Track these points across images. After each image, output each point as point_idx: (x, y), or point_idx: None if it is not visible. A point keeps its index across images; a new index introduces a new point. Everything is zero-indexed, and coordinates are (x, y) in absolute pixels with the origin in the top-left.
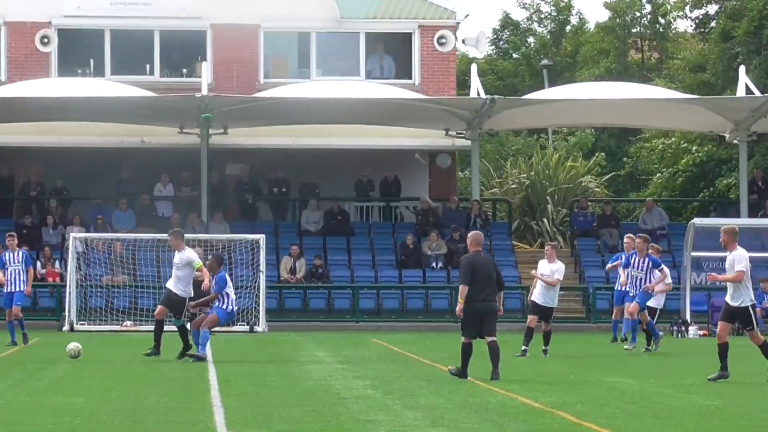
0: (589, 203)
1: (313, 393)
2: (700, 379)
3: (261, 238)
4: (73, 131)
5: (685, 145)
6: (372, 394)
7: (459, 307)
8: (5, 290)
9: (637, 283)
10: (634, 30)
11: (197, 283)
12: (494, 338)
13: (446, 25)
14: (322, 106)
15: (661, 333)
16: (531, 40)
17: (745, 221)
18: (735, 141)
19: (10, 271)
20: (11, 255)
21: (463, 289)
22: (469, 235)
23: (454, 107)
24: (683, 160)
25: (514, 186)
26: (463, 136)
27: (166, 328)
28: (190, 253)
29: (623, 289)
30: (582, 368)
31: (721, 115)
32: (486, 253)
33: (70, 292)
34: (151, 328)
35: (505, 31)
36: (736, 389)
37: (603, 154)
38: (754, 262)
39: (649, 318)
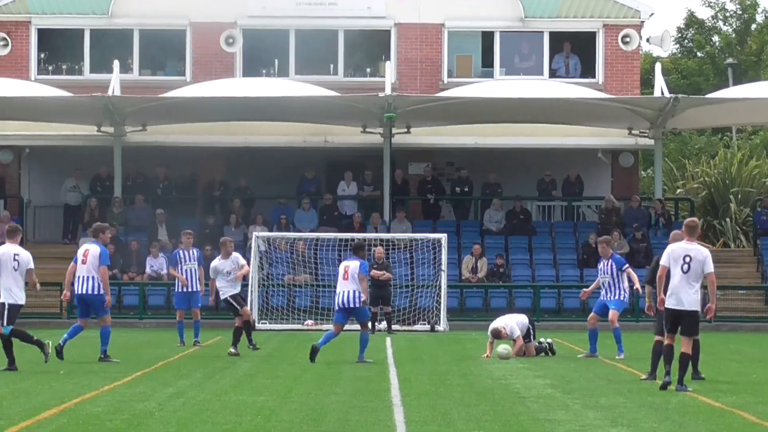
0: None
1: (492, 392)
2: None
3: (443, 237)
4: (256, 131)
5: None
6: (552, 393)
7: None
8: (179, 290)
9: (610, 288)
10: None
11: None
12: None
13: (631, 24)
14: (506, 105)
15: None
16: (716, 38)
17: None
18: None
19: (185, 270)
20: (185, 253)
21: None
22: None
23: (637, 106)
24: None
25: (696, 185)
26: (646, 135)
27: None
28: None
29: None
30: (764, 368)
31: None
32: None
33: (252, 291)
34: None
35: (690, 29)
36: None
37: None
38: None
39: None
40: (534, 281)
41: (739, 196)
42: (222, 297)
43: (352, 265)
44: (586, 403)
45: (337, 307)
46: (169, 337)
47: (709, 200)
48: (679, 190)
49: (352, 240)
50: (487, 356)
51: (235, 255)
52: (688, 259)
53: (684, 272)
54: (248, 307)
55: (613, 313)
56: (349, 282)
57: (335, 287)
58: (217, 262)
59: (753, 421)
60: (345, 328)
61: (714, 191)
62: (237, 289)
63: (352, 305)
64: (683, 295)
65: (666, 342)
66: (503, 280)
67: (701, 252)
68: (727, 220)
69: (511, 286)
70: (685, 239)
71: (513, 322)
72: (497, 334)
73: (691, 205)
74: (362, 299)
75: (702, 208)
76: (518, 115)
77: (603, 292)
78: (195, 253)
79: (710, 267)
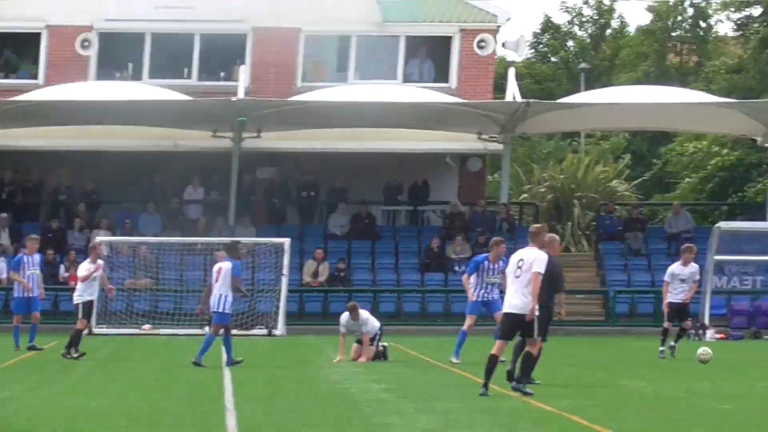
0: (616, 207)
1: (328, 396)
2: (715, 382)
3: (286, 241)
4: (106, 135)
5: (716, 148)
6: (387, 398)
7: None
8: (20, 294)
9: (493, 289)
10: (674, 33)
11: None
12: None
13: (487, 29)
14: (356, 109)
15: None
16: (571, 43)
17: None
18: (766, 145)
19: (28, 275)
20: (29, 258)
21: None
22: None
23: (489, 111)
24: (713, 162)
25: (543, 189)
26: (496, 139)
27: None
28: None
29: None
30: (597, 372)
31: (756, 119)
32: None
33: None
34: (171, 331)
35: (546, 34)
36: (750, 393)
37: (629, 155)
38: None
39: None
40: (375, 285)
41: (584, 200)
42: (75, 300)
43: (225, 266)
44: (419, 408)
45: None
46: (3, 341)
47: (555, 204)
48: (524, 195)
49: (195, 245)
50: (339, 360)
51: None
52: (521, 264)
53: (516, 277)
54: (87, 321)
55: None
56: (220, 284)
57: (182, 291)
58: (87, 265)
59: (585, 425)
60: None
61: (559, 195)
62: (93, 296)
63: (218, 309)
64: (516, 299)
65: (494, 351)
66: (344, 284)
67: (532, 255)
68: (570, 224)
69: (350, 290)
70: (529, 245)
71: (373, 322)
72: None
73: (536, 209)
74: (228, 305)
75: (547, 212)
76: (369, 120)
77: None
78: (38, 258)
79: (537, 267)
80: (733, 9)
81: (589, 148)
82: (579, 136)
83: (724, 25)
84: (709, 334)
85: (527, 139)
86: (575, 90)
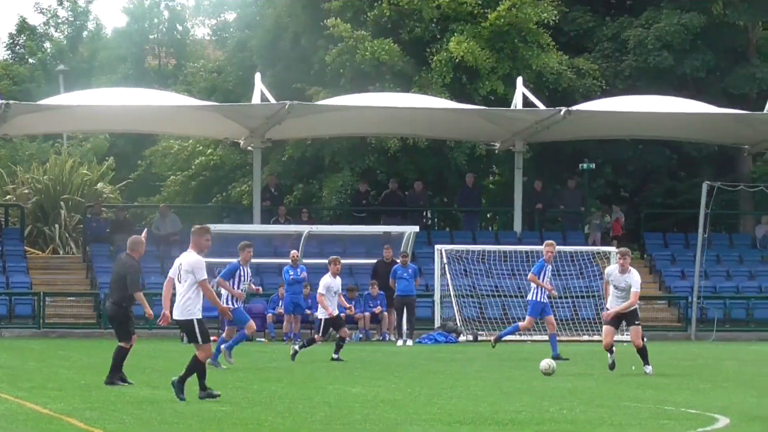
0: (103, 209)
1: None
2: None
3: None
4: None
5: (201, 148)
6: None
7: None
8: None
9: None
10: (152, 36)
11: None
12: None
13: None
14: None
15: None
16: (48, 45)
17: (258, 227)
18: (249, 147)
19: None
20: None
21: None
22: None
23: None
24: (197, 161)
25: (27, 191)
26: None
27: None
28: None
29: None
30: (93, 374)
31: (237, 122)
32: None
33: None
34: None
35: (22, 35)
36: (245, 396)
37: (112, 158)
38: (265, 268)
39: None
40: None
41: (70, 202)
42: None
43: None
44: None
45: None
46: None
47: (40, 207)
48: (9, 196)
49: None
50: None
51: None
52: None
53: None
54: None
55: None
56: None
57: None
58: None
59: (81, 427)
60: None
61: (44, 197)
62: None
63: None
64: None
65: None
66: None
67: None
68: (56, 226)
69: None
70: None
71: None
72: None
73: (21, 211)
74: None
75: (32, 214)
76: None
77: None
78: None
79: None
80: (207, 15)
81: (72, 150)
82: (62, 138)
83: (200, 29)
84: None
85: (9, 141)
86: (54, 92)
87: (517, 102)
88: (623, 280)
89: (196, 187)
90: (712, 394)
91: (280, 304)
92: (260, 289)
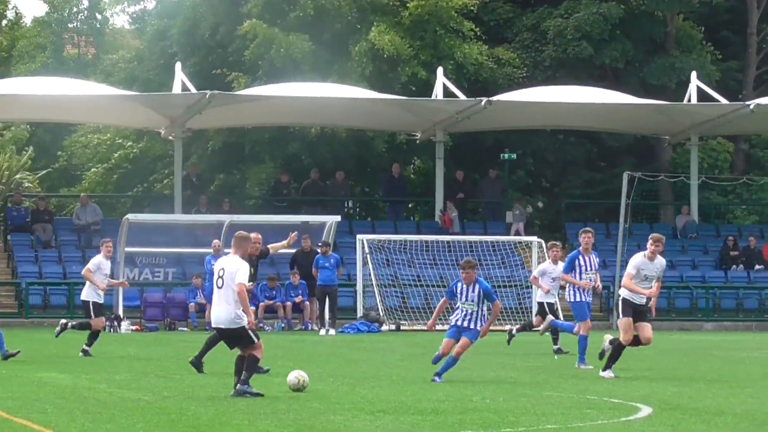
0: (23, 198)
1: None
2: (131, 375)
3: None
4: None
5: (120, 140)
6: None
7: None
8: None
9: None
10: (71, 25)
11: None
12: None
13: None
14: None
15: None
16: None
17: (179, 217)
18: (171, 137)
19: None
20: None
21: None
22: None
23: None
24: (117, 154)
25: None
26: None
27: None
28: None
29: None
30: (12, 364)
31: (157, 111)
32: None
33: None
34: None
35: None
36: (167, 385)
37: (31, 148)
38: (187, 258)
39: None
40: None
41: None
42: None
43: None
44: None
45: None
46: None
47: None
48: None
49: None
50: None
51: None
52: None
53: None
54: None
55: None
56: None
57: None
58: None
59: (4, 417)
60: None
61: None
62: None
63: None
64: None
65: None
66: None
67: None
68: None
69: None
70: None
71: None
72: None
73: None
74: None
75: None
76: None
77: None
78: None
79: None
80: (127, 3)
81: None
82: None
83: (120, 18)
84: (124, 326)
85: None
86: None
87: (438, 92)
88: (654, 268)
89: (117, 179)
90: (633, 384)
91: (198, 294)
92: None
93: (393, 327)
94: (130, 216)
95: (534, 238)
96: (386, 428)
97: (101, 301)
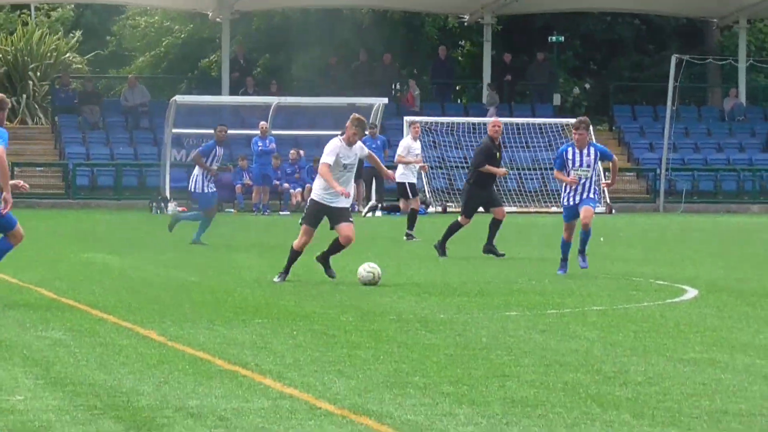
0: (71, 79)
1: None
2: (178, 254)
3: None
4: None
5: (168, 23)
6: None
7: None
8: None
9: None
10: None
11: None
12: None
13: None
14: None
15: None
16: None
17: (226, 99)
18: (218, 19)
19: None
20: None
21: None
22: None
23: None
24: (165, 41)
25: None
26: None
27: None
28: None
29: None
30: (60, 245)
31: None
32: None
33: None
34: None
35: None
36: (213, 265)
37: (80, 31)
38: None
39: None
40: None
41: (38, 73)
42: None
43: None
44: None
45: None
46: None
47: (7, 77)
48: None
49: None
50: None
51: None
52: None
53: None
54: None
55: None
56: None
57: None
58: None
59: (51, 297)
60: None
61: (12, 68)
62: None
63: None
64: None
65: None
66: None
67: None
68: (24, 96)
69: None
70: None
71: None
72: None
73: None
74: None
75: (0, 85)
76: None
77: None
78: None
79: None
80: None
81: (39, 20)
82: (28, 8)
83: None
84: (171, 207)
85: None
86: None
87: None
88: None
89: (165, 65)
90: (680, 266)
91: (244, 175)
92: (231, 167)
93: (440, 209)
94: (178, 98)
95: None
96: (432, 309)
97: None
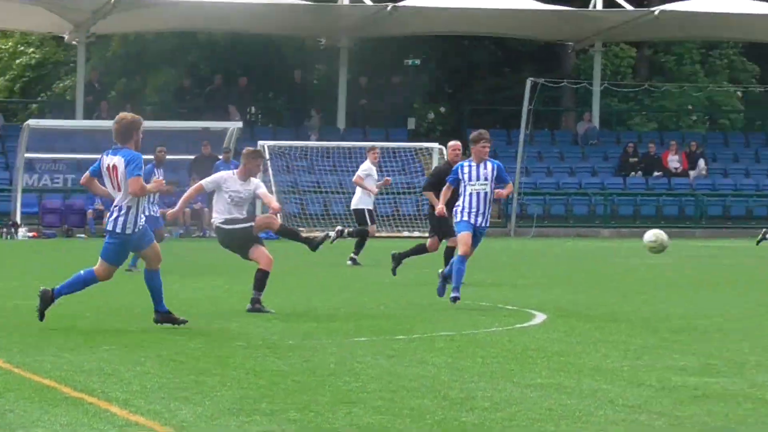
0: None
1: None
2: (26, 281)
3: None
4: None
5: (22, 48)
6: None
7: None
8: None
9: None
10: None
11: None
12: None
13: None
14: None
15: None
16: None
17: (80, 123)
18: (74, 42)
19: None
20: None
21: None
22: None
23: None
24: (18, 62)
25: None
26: None
27: None
28: None
29: None
30: None
31: (61, 16)
32: None
33: None
34: None
35: None
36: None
37: None
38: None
39: None
40: None
41: None
42: None
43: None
44: None
45: None
46: None
47: None
48: None
49: None
50: None
51: None
52: None
53: None
54: None
55: None
56: None
57: None
58: None
59: None
60: None
61: None
62: None
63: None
64: None
65: None
66: None
67: None
68: None
69: None
70: None
71: None
72: None
73: None
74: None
75: None
76: None
77: None
78: None
79: None
80: None
81: None
82: None
83: None
84: (21, 232)
85: None
86: None
87: None
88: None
89: (20, 88)
90: (529, 290)
91: (96, 200)
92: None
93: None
94: (31, 122)
95: (435, 145)
96: (281, 335)
97: None
